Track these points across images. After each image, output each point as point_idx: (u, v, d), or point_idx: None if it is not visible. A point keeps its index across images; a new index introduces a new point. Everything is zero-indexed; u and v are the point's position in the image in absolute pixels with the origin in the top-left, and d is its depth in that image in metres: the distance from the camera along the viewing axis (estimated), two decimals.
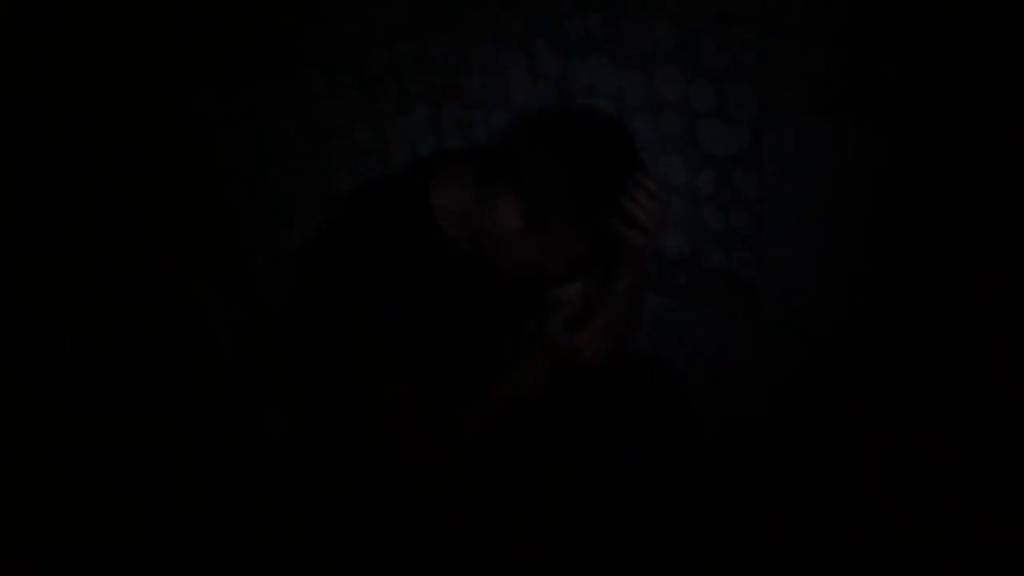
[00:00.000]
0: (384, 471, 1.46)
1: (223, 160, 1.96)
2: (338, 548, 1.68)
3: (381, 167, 2.34)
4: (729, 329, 2.25)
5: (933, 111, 1.82)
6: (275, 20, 2.00)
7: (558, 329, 1.43)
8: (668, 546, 1.77)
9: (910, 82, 1.84)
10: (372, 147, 2.30)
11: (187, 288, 1.87)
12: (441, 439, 1.41)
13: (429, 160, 1.49)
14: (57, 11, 1.62)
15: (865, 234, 1.98)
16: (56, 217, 1.63)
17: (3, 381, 1.57)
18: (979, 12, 1.72)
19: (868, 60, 1.87)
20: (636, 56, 2.18)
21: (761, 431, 2.05)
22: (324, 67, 2.11)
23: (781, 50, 1.97)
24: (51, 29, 1.62)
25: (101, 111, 1.71)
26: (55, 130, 1.64)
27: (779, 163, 2.05)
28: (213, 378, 1.90)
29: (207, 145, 1.92)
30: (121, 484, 1.71)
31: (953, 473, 1.84)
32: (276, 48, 2.02)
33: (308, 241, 1.48)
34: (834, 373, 2.06)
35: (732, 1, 2.00)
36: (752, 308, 2.22)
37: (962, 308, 1.89)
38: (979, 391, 1.88)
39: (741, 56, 2.03)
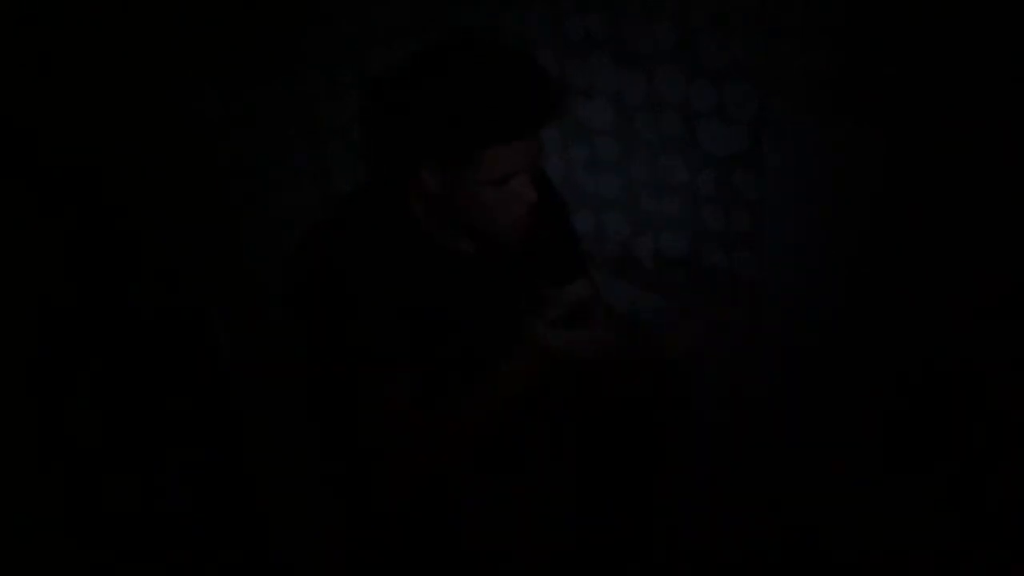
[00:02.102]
0: (381, 471, 1.46)
1: (223, 160, 1.96)
2: (338, 548, 1.68)
3: None
4: (729, 329, 2.25)
5: (933, 111, 1.82)
6: (275, 20, 2.00)
7: (545, 329, 1.42)
8: (667, 545, 1.77)
9: (910, 82, 1.84)
10: None
11: (187, 288, 1.87)
12: (435, 439, 1.42)
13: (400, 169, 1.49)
14: (57, 11, 1.62)
15: (865, 234, 1.98)
16: (55, 217, 1.63)
17: (2, 381, 1.57)
18: (979, 12, 1.72)
19: (868, 60, 1.87)
20: (636, 56, 2.18)
21: (761, 430, 2.05)
22: (324, 67, 2.11)
23: (781, 50, 1.97)
24: (50, 29, 1.62)
25: (101, 111, 1.70)
26: (54, 130, 1.64)
27: (779, 163, 2.05)
28: (213, 379, 1.89)
29: (207, 145, 1.91)
30: (120, 484, 1.70)
31: (953, 473, 1.84)
32: (276, 48, 2.02)
33: (299, 251, 1.49)
34: (834, 373, 2.06)
35: (732, 1, 2.00)
36: (752, 308, 2.22)
37: (963, 307, 1.89)
38: (980, 390, 1.88)
39: (741, 56, 2.03)
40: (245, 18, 1.94)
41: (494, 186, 1.36)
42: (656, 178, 2.28)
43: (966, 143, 1.79)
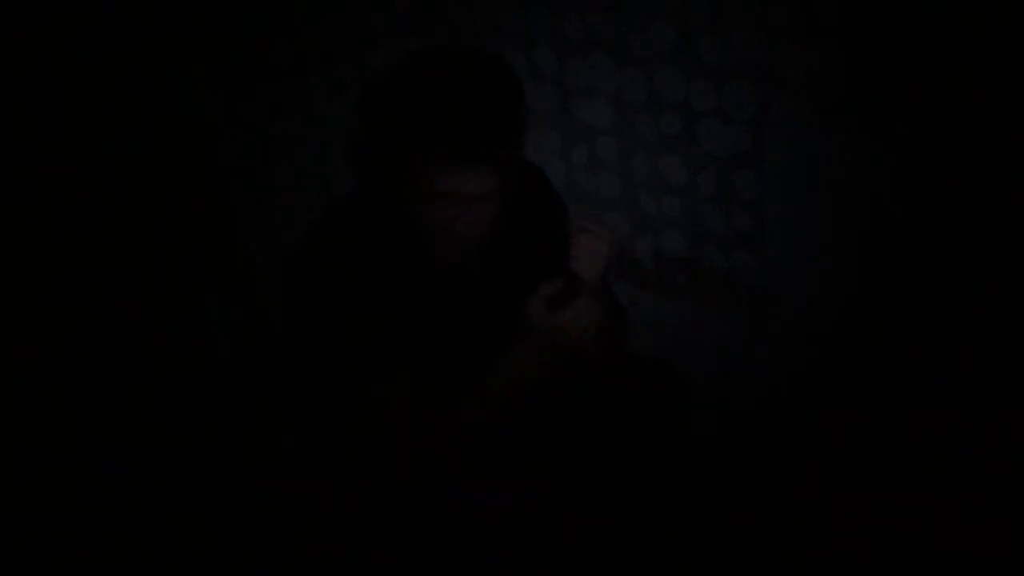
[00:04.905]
0: (383, 469, 1.46)
1: (223, 160, 1.96)
2: (338, 548, 1.68)
3: None
4: (729, 329, 2.25)
5: (933, 111, 1.82)
6: (275, 20, 2.00)
7: (540, 310, 1.42)
8: (667, 546, 1.77)
9: (910, 82, 1.84)
10: None
11: (187, 288, 1.87)
12: (437, 436, 1.42)
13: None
14: (57, 10, 1.62)
15: (865, 234, 1.98)
16: (56, 217, 1.63)
17: (3, 382, 1.57)
18: (979, 12, 1.72)
19: (868, 60, 1.88)
20: (636, 56, 2.18)
21: (761, 431, 2.05)
22: (324, 67, 2.11)
23: (781, 50, 1.97)
24: (51, 28, 1.62)
25: (101, 111, 1.71)
26: (56, 130, 1.64)
27: (779, 163, 2.05)
28: (213, 378, 1.90)
29: (207, 145, 1.92)
30: (120, 484, 1.71)
31: (954, 474, 1.84)
32: (276, 48, 2.02)
33: (298, 251, 1.49)
34: (834, 373, 2.06)
35: (732, 1, 2.00)
36: (752, 308, 2.22)
37: (963, 308, 1.89)
38: (980, 391, 1.88)
39: (741, 56, 2.03)
40: (245, 18, 1.94)
41: (429, 203, 1.37)
42: (656, 178, 2.28)
43: (966, 143, 1.79)
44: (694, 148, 2.18)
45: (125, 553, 1.67)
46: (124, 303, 1.73)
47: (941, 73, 1.79)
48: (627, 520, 1.65)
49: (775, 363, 2.16)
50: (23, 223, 1.60)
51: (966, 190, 1.82)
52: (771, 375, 2.14)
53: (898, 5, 1.81)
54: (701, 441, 1.86)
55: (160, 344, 1.78)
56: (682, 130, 2.18)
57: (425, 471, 1.44)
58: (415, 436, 1.41)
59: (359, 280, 1.41)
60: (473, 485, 1.53)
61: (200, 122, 1.89)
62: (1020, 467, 1.78)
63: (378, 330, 1.41)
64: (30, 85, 1.60)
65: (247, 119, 1.98)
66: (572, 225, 1.44)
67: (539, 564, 1.62)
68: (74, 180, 1.67)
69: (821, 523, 1.84)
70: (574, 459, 1.62)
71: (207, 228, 1.94)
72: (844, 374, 2.05)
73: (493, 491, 1.56)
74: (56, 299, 1.63)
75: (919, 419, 1.92)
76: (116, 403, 1.70)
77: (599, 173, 2.37)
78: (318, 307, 1.45)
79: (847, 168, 1.95)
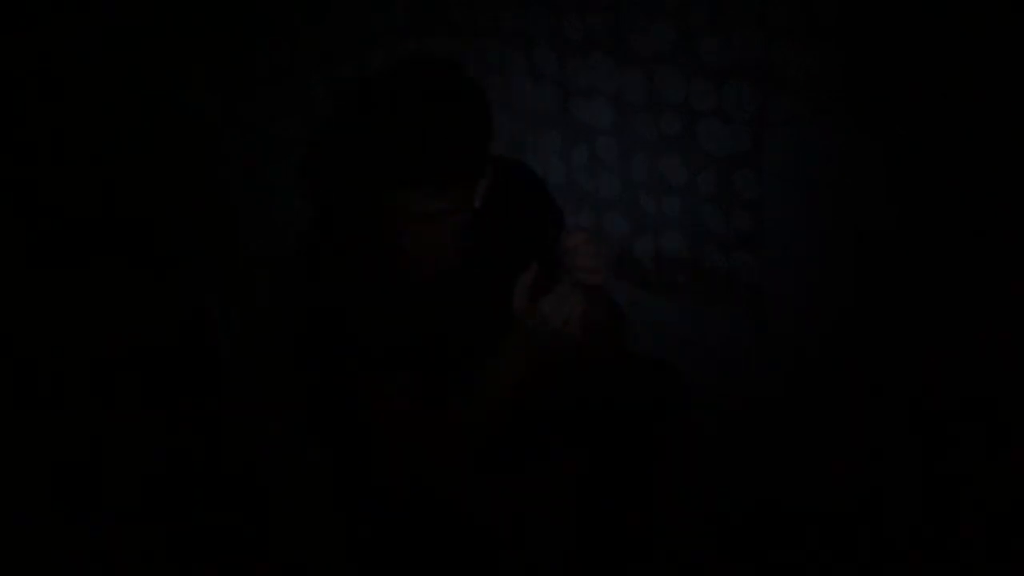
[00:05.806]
0: (382, 469, 1.46)
1: (223, 160, 1.96)
2: (338, 548, 1.68)
3: None
4: (729, 329, 2.25)
5: (933, 111, 1.82)
6: (275, 20, 2.00)
7: (521, 301, 1.41)
8: (666, 545, 1.77)
9: (910, 82, 1.84)
10: None
11: (187, 288, 1.87)
12: (435, 435, 1.42)
13: None
14: (57, 10, 1.62)
15: (865, 234, 1.98)
16: (56, 217, 1.64)
17: (3, 381, 1.57)
18: (979, 12, 1.72)
19: (868, 60, 1.88)
20: (636, 56, 2.18)
21: (761, 431, 2.05)
22: (324, 67, 2.11)
23: (781, 50, 1.97)
24: (51, 28, 1.62)
25: (101, 111, 1.71)
26: (56, 131, 1.64)
27: (779, 163, 2.05)
28: (212, 379, 1.90)
29: (207, 145, 1.92)
30: (119, 484, 1.71)
31: (954, 474, 1.84)
32: (277, 48, 2.02)
33: (296, 253, 1.49)
34: (834, 373, 2.06)
35: (732, 1, 2.00)
36: (752, 308, 2.22)
37: (963, 308, 1.89)
38: (980, 391, 1.88)
39: (741, 56, 2.03)
40: (245, 18, 1.94)
41: (380, 220, 1.37)
42: (656, 178, 2.28)
43: (966, 143, 1.79)
44: (694, 148, 2.18)
45: (123, 552, 1.67)
46: (124, 303, 1.73)
47: (941, 73, 1.79)
48: (626, 520, 1.65)
49: (775, 363, 2.16)
50: (23, 223, 1.60)
51: (966, 190, 1.82)
52: (771, 375, 2.14)
53: (898, 5, 1.81)
54: (701, 441, 1.86)
55: (160, 343, 1.78)
56: (682, 130, 2.18)
57: (424, 470, 1.44)
58: (413, 436, 1.41)
59: (355, 282, 1.42)
60: (473, 485, 1.53)
61: (200, 122, 1.89)
62: (1020, 465, 1.78)
63: (375, 331, 1.41)
64: (30, 85, 1.60)
65: (247, 119, 1.98)
66: (566, 240, 1.42)
67: (539, 563, 1.63)
68: (74, 180, 1.67)
69: (821, 522, 1.84)
70: (573, 459, 1.62)
71: (207, 228, 1.94)
72: (844, 374, 2.05)
73: (493, 491, 1.56)
74: (55, 298, 1.63)
75: (919, 418, 1.92)
76: (115, 403, 1.70)
77: (599, 173, 2.37)
78: (316, 310, 1.45)
79: (847, 168, 1.95)
